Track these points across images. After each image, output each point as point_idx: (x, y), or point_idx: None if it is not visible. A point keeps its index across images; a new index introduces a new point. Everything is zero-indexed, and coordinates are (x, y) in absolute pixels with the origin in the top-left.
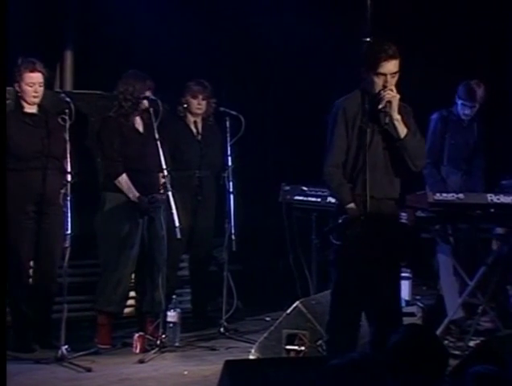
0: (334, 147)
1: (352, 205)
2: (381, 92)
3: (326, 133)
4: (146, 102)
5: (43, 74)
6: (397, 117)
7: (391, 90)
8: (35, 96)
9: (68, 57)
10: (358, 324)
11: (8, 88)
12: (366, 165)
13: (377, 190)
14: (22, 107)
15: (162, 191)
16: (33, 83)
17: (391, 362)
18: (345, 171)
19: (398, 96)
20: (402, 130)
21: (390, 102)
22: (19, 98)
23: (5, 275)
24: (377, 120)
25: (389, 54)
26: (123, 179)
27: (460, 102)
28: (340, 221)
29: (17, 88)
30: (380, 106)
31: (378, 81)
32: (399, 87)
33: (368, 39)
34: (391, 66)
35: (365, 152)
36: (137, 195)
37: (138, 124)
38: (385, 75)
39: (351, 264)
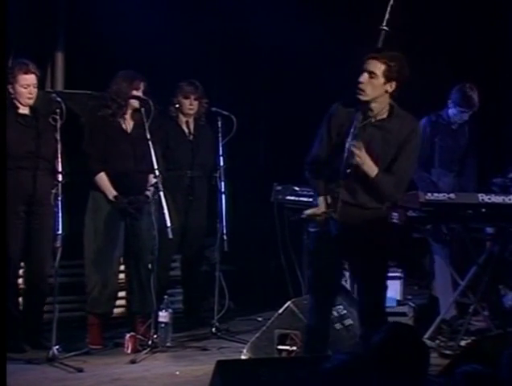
0: (314, 147)
1: (321, 199)
2: (351, 147)
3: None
4: (134, 102)
5: (36, 75)
6: (363, 164)
7: (359, 149)
8: (29, 98)
9: (59, 57)
10: (329, 309)
11: None
12: (343, 170)
13: (349, 196)
14: (14, 108)
15: (153, 192)
16: (27, 85)
17: (374, 361)
18: (327, 172)
19: (366, 161)
20: (372, 171)
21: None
22: (12, 99)
23: (4, 276)
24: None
25: (370, 55)
26: (100, 178)
27: (457, 109)
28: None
29: (10, 90)
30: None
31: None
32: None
33: (386, 28)
34: (368, 65)
35: (343, 159)
36: (114, 194)
37: (128, 124)
38: (365, 71)
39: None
